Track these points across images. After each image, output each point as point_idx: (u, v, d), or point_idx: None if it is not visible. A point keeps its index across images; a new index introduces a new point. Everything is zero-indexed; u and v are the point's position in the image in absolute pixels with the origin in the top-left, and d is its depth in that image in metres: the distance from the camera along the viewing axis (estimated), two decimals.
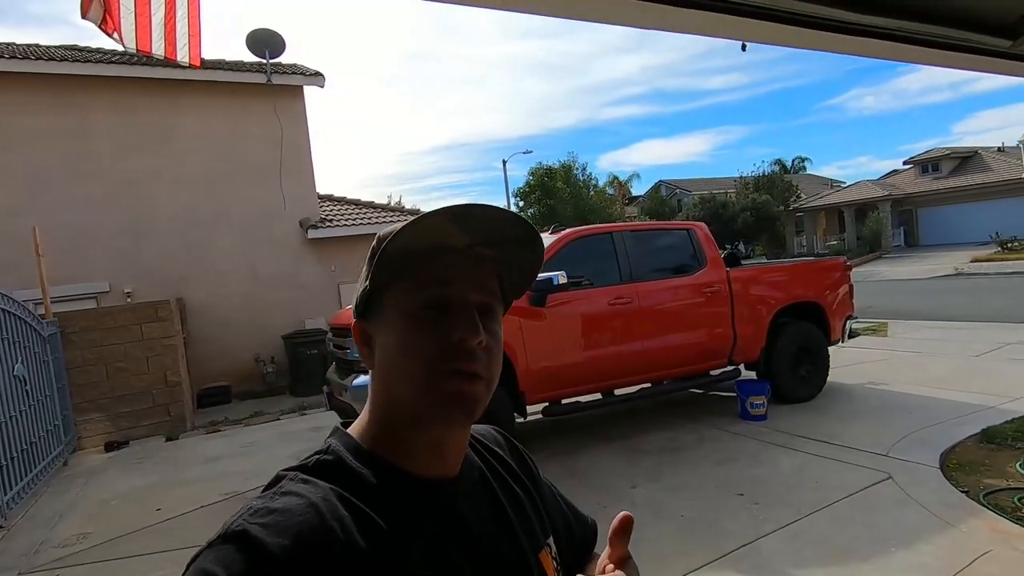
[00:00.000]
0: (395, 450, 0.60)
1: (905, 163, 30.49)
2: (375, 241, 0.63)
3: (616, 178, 37.61)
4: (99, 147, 8.33)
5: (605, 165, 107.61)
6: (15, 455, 4.62)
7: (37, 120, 7.98)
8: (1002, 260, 18.60)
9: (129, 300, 8.14)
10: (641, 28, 1.37)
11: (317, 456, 0.60)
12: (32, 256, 6.33)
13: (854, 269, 22.94)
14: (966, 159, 27.06)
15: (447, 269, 0.60)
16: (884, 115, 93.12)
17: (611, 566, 0.62)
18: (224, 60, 9.42)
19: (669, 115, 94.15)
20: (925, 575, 2.53)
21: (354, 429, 0.63)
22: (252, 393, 8.69)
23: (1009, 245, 20.32)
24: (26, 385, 5.10)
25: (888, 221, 27.03)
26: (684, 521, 3.27)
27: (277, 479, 0.58)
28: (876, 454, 4.01)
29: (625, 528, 0.62)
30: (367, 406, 0.63)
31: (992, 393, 5.23)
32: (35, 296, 6.50)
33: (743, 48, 1.23)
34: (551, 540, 0.70)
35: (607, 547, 0.63)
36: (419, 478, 0.60)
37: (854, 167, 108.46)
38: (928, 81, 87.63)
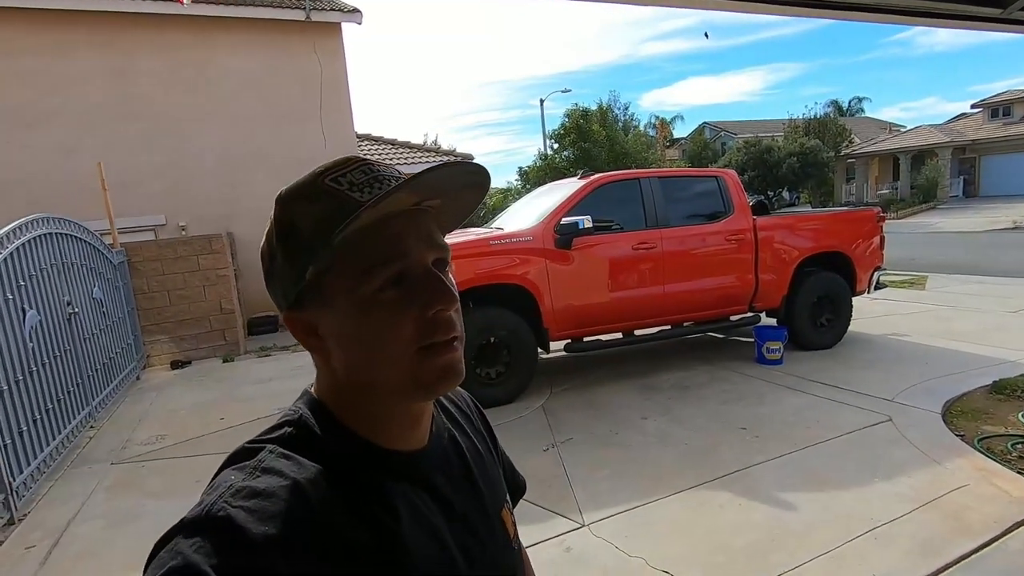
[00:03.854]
0: (368, 426, 0.57)
1: (973, 106, 28.35)
2: (282, 214, 0.53)
3: (659, 118, 36.29)
4: (143, 87, 8.68)
5: (648, 105, 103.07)
6: (98, 368, 5.28)
7: (80, 61, 8.28)
8: None
9: (184, 233, 8.72)
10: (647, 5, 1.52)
11: (289, 428, 0.55)
12: (87, 191, 6.86)
13: (904, 220, 21.58)
14: None
15: (399, 238, 0.52)
16: (958, 51, 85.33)
17: None
18: None
19: (718, 50, 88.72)
20: (898, 502, 2.77)
21: (320, 392, 0.59)
22: None
23: None
24: (103, 307, 5.72)
25: (946, 169, 25.50)
26: (686, 448, 3.58)
27: (251, 451, 0.53)
28: (881, 399, 4.19)
29: None
30: (321, 377, 0.59)
31: (1015, 347, 5.25)
32: (100, 227, 7.07)
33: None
34: (508, 497, 0.73)
35: None
36: (393, 451, 0.57)
37: (919, 109, 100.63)
38: None
